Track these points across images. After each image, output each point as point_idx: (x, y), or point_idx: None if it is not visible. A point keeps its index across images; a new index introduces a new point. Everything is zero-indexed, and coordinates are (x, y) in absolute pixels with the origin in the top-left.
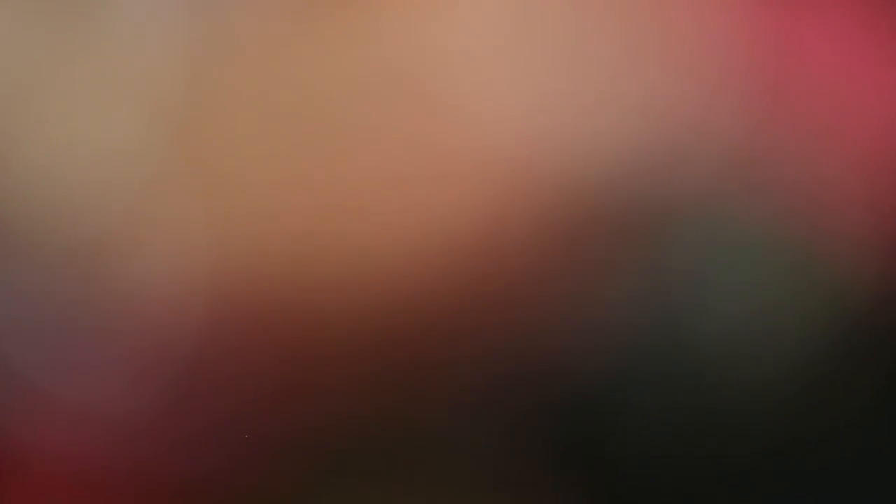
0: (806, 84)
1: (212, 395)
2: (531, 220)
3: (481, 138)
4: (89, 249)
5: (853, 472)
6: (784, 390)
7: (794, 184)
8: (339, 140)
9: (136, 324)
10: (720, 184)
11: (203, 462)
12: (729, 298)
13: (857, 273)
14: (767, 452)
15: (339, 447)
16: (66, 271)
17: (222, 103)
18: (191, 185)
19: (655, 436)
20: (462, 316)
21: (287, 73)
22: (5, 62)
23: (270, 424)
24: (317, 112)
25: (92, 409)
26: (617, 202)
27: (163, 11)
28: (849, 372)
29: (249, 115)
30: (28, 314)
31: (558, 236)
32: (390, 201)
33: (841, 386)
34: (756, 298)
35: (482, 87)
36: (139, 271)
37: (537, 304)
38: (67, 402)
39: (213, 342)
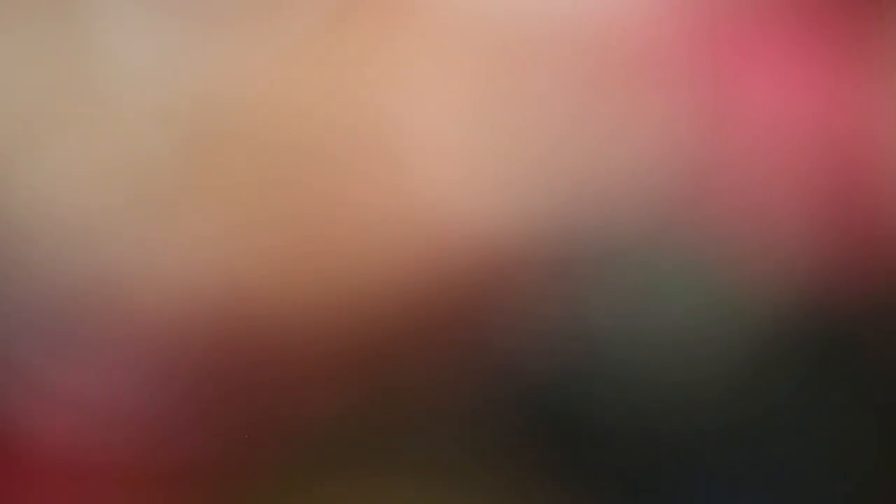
0: (746, 116)
1: (205, 390)
2: (472, 258)
3: (431, 187)
4: (92, 266)
5: (777, 449)
6: (715, 388)
7: (728, 213)
8: (322, 180)
9: (135, 330)
10: (659, 217)
11: (195, 456)
12: (662, 319)
13: (782, 293)
14: (703, 439)
15: (325, 441)
16: (65, 280)
17: (221, 142)
18: (191, 203)
19: (604, 430)
20: (428, 330)
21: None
22: (12, 81)
23: (260, 419)
24: (304, 153)
25: (92, 410)
26: (555, 240)
27: (168, 34)
28: (767, 374)
29: (247, 151)
30: (31, 322)
31: (494, 273)
32: (362, 238)
33: (762, 387)
34: (686, 318)
35: (436, 143)
36: (137, 288)
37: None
38: (67, 402)
39: (208, 343)
